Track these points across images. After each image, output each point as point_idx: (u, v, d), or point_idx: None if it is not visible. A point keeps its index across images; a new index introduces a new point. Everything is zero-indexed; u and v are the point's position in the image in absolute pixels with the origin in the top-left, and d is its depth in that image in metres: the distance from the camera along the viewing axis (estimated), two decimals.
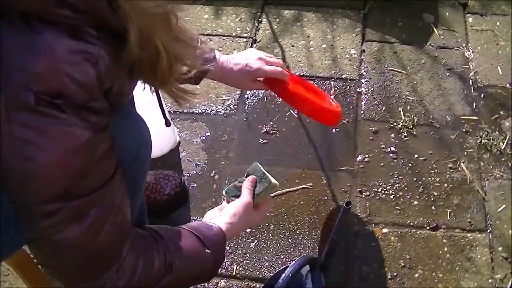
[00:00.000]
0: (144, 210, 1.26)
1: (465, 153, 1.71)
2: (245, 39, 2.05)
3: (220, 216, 1.08)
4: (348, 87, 1.90)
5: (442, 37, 2.06)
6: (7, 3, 0.63)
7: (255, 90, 1.89)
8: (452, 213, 1.57)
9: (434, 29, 2.09)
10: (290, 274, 1.12)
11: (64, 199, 0.73)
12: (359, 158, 1.70)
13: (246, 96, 1.88)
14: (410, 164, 1.68)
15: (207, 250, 0.96)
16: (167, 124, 1.09)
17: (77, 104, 0.68)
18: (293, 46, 2.03)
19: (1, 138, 0.66)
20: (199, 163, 1.70)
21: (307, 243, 1.52)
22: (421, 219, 1.56)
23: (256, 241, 1.52)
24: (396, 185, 1.63)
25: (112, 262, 0.82)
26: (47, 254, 0.79)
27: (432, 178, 1.65)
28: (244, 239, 1.52)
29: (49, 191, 0.71)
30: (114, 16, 0.69)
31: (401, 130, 1.77)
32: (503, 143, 1.73)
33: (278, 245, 1.51)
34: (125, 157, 1.02)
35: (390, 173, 1.66)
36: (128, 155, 1.02)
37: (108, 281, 0.82)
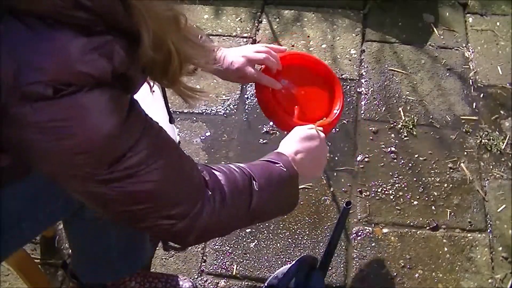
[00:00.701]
0: None
1: (465, 153, 1.71)
2: (245, 39, 2.05)
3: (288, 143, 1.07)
4: (348, 87, 1.90)
5: (442, 37, 2.06)
6: (24, 6, 0.64)
7: (255, 90, 1.88)
8: (452, 213, 1.57)
9: (434, 29, 2.09)
10: (290, 274, 1.11)
11: (125, 153, 0.73)
12: (359, 158, 1.70)
13: (246, 96, 1.88)
14: (410, 164, 1.68)
15: (278, 165, 0.97)
16: (171, 121, 1.09)
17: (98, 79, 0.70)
18: (293, 46, 2.03)
19: (32, 127, 0.67)
20: (199, 163, 1.70)
21: (307, 243, 1.52)
22: (421, 219, 1.56)
23: (256, 241, 1.52)
24: (396, 185, 1.63)
25: (203, 188, 0.85)
26: (134, 209, 0.79)
27: (432, 178, 1.65)
28: (244, 239, 1.52)
29: (102, 156, 0.72)
30: (127, 19, 0.70)
31: (401, 130, 1.77)
32: (503, 143, 1.73)
33: (278, 245, 1.51)
34: None
35: (390, 173, 1.66)
36: None
37: (202, 207, 0.83)
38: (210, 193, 0.85)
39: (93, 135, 0.70)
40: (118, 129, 0.72)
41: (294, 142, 1.06)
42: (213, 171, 0.90)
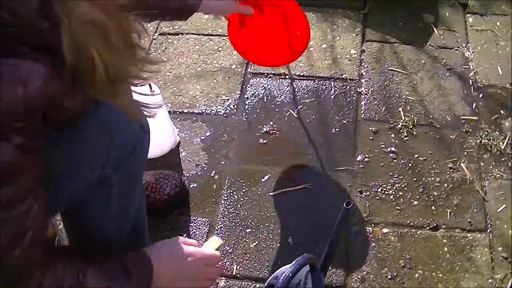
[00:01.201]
0: (143, 208, 1.27)
1: (465, 153, 1.71)
2: None
3: (154, 247, 1.06)
4: (348, 87, 1.90)
5: (442, 37, 2.06)
6: None
7: (255, 90, 1.89)
8: (452, 213, 1.57)
9: (434, 29, 2.09)
10: (290, 274, 1.11)
11: None
12: (359, 158, 1.70)
13: (246, 96, 1.88)
14: (410, 164, 1.68)
15: (122, 281, 0.95)
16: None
17: None
18: None
19: None
20: (199, 163, 1.70)
21: (307, 243, 1.52)
22: (421, 219, 1.56)
23: (256, 241, 1.52)
24: (396, 185, 1.63)
25: (23, 279, 0.81)
26: None
27: (432, 178, 1.65)
28: (244, 239, 1.52)
29: None
30: (51, 29, 0.66)
31: (401, 130, 1.77)
32: (503, 143, 1.73)
33: (278, 245, 1.51)
34: (122, 153, 1.02)
35: (390, 173, 1.66)
36: (124, 151, 1.03)
37: None
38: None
39: None
40: None
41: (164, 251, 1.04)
42: (40, 268, 0.84)
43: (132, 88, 0.93)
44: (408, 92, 1.88)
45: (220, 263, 1.17)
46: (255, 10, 1.50)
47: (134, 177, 1.12)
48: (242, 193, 1.62)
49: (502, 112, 1.82)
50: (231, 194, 1.62)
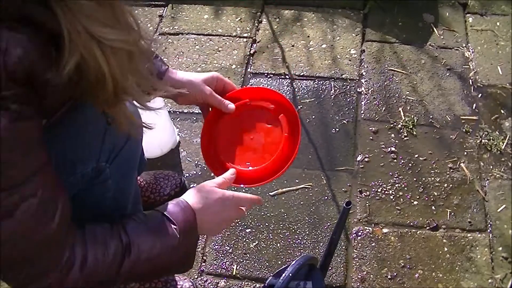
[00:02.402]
0: (139, 201, 1.27)
1: (465, 153, 1.71)
2: (245, 39, 2.05)
3: (193, 194, 1.02)
4: (348, 87, 1.90)
5: (442, 37, 2.06)
6: None
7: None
8: (452, 213, 1.57)
9: (434, 29, 2.09)
10: (290, 274, 1.11)
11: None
12: (359, 158, 1.70)
13: None
14: (410, 164, 1.68)
15: (173, 227, 0.92)
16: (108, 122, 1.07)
17: None
18: (293, 46, 2.03)
19: None
20: (199, 163, 1.70)
21: (307, 243, 1.52)
22: (421, 219, 1.56)
23: (256, 241, 1.52)
24: (396, 185, 1.63)
25: (56, 257, 0.79)
26: None
27: (432, 178, 1.65)
28: (244, 239, 1.52)
29: None
30: (52, 21, 0.66)
31: (401, 130, 1.77)
32: (503, 143, 1.73)
33: (278, 245, 1.51)
34: (117, 142, 1.03)
35: (390, 173, 1.66)
36: (119, 141, 1.03)
37: (55, 279, 0.79)
38: (65, 259, 0.80)
39: None
40: (4, 163, 0.68)
41: (202, 195, 1.01)
42: (79, 238, 0.83)
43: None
44: (408, 92, 1.88)
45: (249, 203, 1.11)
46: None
47: (128, 169, 1.13)
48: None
49: (502, 112, 1.82)
50: None
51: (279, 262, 1.48)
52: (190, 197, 1.00)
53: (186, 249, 0.95)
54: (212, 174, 1.18)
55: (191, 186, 1.63)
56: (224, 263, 1.47)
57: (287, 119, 1.14)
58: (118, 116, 0.85)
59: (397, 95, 1.87)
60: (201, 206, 0.99)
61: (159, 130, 1.63)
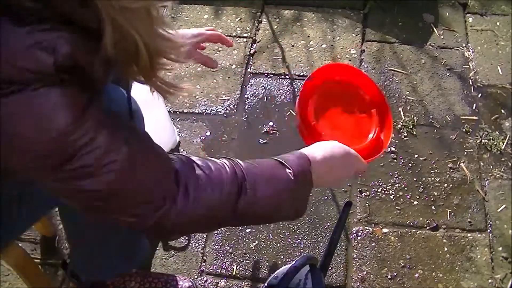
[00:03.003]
0: None
1: (465, 153, 1.71)
2: (245, 39, 2.05)
3: (313, 146, 0.99)
4: None
5: (442, 37, 2.06)
6: None
7: (255, 90, 1.89)
8: (452, 213, 1.57)
9: (434, 29, 2.09)
10: (290, 274, 1.11)
11: (77, 152, 0.70)
12: None
13: (246, 96, 1.88)
14: (410, 164, 1.68)
15: (288, 170, 0.90)
16: (131, 116, 1.07)
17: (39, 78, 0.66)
18: (293, 46, 2.03)
19: None
20: None
21: (307, 243, 1.52)
22: (421, 219, 1.56)
23: (256, 241, 1.52)
24: (396, 185, 1.63)
25: (169, 182, 0.79)
26: (105, 193, 0.76)
27: (432, 178, 1.65)
28: (244, 239, 1.52)
29: (52, 155, 0.69)
30: (84, 11, 0.67)
31: (401, 130, 1.77)
32: (503, 143, 1.73)
33: (278, 245, 1.51)
34: None
35: (390, 173, 1.66)
36: None
37: (170, 205, 0.78)
38: (181, 191, 0.79)
39: (39, 136, 0.67)
40: (67, 129, 0.68)
41: (321, 147, 0.99)
42: (195, 166, 0.82)
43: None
44: (408, 92, 1.88)
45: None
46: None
47: None
48: None
49: (502, 112, 1.82)
50: None
51: (279, 262, 1.48)
52: (310, 148, 0.98)
53: (300, 195, 0.93)
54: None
55: None
56: (224, 263, 1.47)
57: (379, 117, 1.16)
58: (161, 84, 0.85)
59: (397, 95, 1.87)
60: (319, 158, 0.96)
61: (159, 130, 1.63)
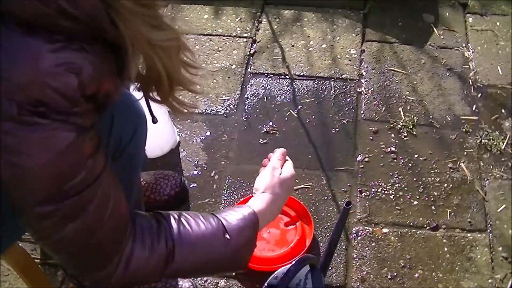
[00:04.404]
0: (140, 201, 1.27)
1: (465, 153, 1.71)
2: (245, 39, 2.05)
3: (260, 194, 1.02)
4: (348, 87, 1.90)
5: (442, 37, 2.06)
6: (5, 9, 0.63)
7: (255, 90, 1.89)
8: (452, 213, 1.57)
9: (434, 29, 2.09)
10: (290, 274, 1.11)
11: (56, 201, 0.73)
12: (359, 158, 1.70)
13: (246, 96, 1.88)
14: (410, 164, 1.68)
15: (226, 236, 0.91)
16: (154, 121, 1.08)
17: (59, 111, 0.68)
18: (293, 46, 2.03)
19: None
20: (199, 163, 1.70)
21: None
22: (421, 219, 1.56)
23: None
24: (396, 185, 1.63)
25: (114, 253, 0.82)
26: (51, 250, 0.82)
27: (432, 178, 1.65)
28: None
29: (39, 194, 0.72)
30: (113, 30, 0.69)
31: (401, 130, 1.77)
32: (503, 143, 1.73)
33: None
34: (124, 135, 1.04)
35: (390, 173, 1.66)
36: (126, 133, 1.05)
37: (111, 271, 0.82)
38: (119, 253, 0.83)
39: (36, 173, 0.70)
40: (70, 173, 0.72)
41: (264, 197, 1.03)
42: (130, 234, 0.85)
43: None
44: (408, 92, 1.88)
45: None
46: None
47: (134, 164, 1.14)
48: (242, 193, 1.62)
49: (502, 112, 1.82)
50: (231, 194, 1.62)
51: None
52: (255, 202, 1.01)
53: (239, 256, 0.95)
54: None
55: (191, 186, 1.63)
56: None
57: (303, 227, 1.50)
58: (176, 104, 0.88)
59: (397, 95, 1.87)
60: (263, 207, 1.00)
61: (159, 130, 1.63)
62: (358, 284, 1.43)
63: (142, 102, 0.97)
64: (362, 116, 1.81)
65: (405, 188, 1.62)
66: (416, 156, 1.70)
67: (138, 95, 0.89)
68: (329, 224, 1.55)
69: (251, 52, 2.02)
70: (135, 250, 0.84)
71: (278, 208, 1.05)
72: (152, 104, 0.92)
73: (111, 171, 0.83)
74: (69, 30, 0.66)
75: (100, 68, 0.71)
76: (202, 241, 0.89)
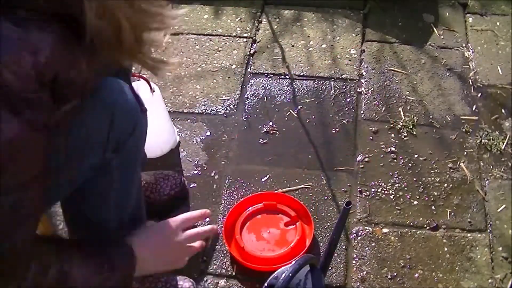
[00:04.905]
0: (141, 202, 1.27)
1: (465, 153, 1.71)
2: (245, 39, 2.05)
3: (142, 233, 1.12)
4: (348, 87, 1.90)
5: (442, 37, 2.06)
6: None
7: (255, 90, 1.89)
8: (452, 213, 1.57)
9: (434, 29, 2.09)
10: (290, 274, 1.11)
11: None
12: (359, 158, 1.70)
13: (246, 96, 1.88)
14: (410, 164, 1.68)
15: (106, 273, 0.99)
16: (143, 109, 1.07)
17: (10, 95, 0.64)
18: (293, 46, 2.03)
19: None
20: (199, 163, 1.70)
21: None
22: (421, 219, 1.56)
23: None
24: (396, 185, 1.63)
25: (18, 269, 0.82)
26: None
27: (432, 178, 1.65)
28: None
29: None
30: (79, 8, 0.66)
31: (401, 130, 1.77)
32: (503, 143, 1.73)
33: None
34: (124, 130, 1.03)
35: (390, 173, 1.66)
36: (123, 132, 1.03)
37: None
38: (22, 272, 0.83)
39: None
40: None
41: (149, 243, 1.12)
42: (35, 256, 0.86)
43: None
44: (408, 92, 1.88)
45: (201, 240, 1.28)
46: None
47: (134, 159, 1.14)
48: (242, 193, 1.62)
49: (502, 112, 1.82)
50: (231, 194, 1.62)
51: None
52: (140, 239, 1.12)
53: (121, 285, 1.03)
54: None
55: (191, 186, 1.63)
56: (224, 263, 1.47)
57: (303, 227, 1.50)
58: (144, 63, 0.84)
59: (397, 95, 1.87)
60: (146, 248, 1.10)
61: (159, 130, 1.63)
62: (358, 284, 1.43)
63: (132, 89, 0.96)
64: (362, 116, 1.81)
65: (405, 188, 1.62)
66: (416, 156, 1.70)
67: (133, 85, 0.88)
68: (329, 224, 1.55)
69: (251, 52, 2.02)
70: (30, 269, 0.84)
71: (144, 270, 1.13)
72: (146, 102, 0.91)
73: (40, 188, 0.78)
74: (30, 6, 0.63)
75: (62, 47, 0.67)
76: (93, 268, 0.98)
